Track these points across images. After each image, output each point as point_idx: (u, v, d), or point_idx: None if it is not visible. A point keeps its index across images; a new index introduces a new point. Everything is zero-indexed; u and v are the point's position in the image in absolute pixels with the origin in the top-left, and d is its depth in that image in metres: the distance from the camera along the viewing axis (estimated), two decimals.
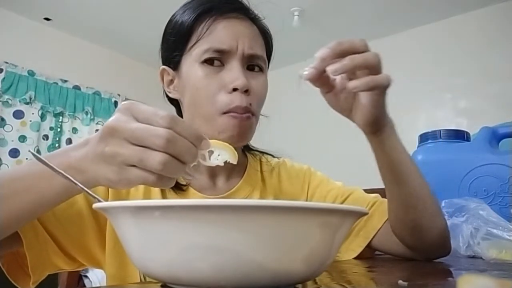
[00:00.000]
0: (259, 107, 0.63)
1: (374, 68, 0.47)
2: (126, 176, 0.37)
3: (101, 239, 0.58)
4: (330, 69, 0.46)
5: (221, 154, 0.43)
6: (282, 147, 0.79)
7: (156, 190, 0.63)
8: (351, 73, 0.49)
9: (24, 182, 0.42)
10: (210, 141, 0.41)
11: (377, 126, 0.55)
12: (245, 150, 0.76)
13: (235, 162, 0.43)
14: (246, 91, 0.60)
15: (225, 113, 0.59)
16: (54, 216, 0.53)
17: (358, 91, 0.49)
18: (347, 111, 0.55)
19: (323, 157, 2.76)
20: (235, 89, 0.59)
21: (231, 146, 0.44)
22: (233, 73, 0.60)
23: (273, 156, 0.78)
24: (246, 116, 0.60)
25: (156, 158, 0.36)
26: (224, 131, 0.59)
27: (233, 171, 0.70)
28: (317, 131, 3.50)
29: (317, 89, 0.55)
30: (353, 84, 0.47)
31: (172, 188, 0.63)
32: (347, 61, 0.45)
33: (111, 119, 0.38)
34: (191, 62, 0.62)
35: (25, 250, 0.49)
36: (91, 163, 0.39)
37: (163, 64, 0.68)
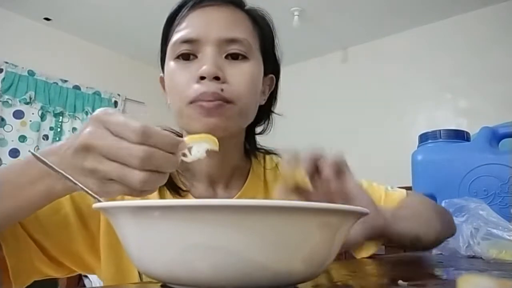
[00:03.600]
0: (240, 97, 0.56)
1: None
2: (107, 190, 0.37)
3: (91, 245, 0.56)
4: None
5: (201, 147, 0.42)
6: (282, 146, 0.77)
7: (154, 193, 0.60)
8: None
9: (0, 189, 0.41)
10: (188, 137, 0.40)
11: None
12: (250, 152, 0.70)
13: (216, 149, 0.42)
14: (217, 79, 0.54)
15: (191, 102, 0.54)
16: (38, 222, 0.51)
17: None
18: None
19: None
20: (203, 78, 0.54)
21: (209, 135, 0.42)
22: (202, 61, 0.55)
23: (279, 156, 0.73)
24: (217, 104, 0.53)
25: (135, 177, 0.35)
26: (191, 121, 0.55)
27: (232, 178, 0.65)
28: (318, 130, 3.50)
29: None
30: None
31: (171, 192, 0.61)
32: None
33: (85, 132, 0.36)
34: (167, 61, 0.59)
35: (6, 259, 0.48)
36: (72, 172, 0.37)
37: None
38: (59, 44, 3.45)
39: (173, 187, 0.61)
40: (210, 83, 0.53)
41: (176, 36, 0.57)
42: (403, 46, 3.33)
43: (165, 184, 0.59)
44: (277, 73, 0.68)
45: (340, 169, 0.47)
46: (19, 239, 0.50)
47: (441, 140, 1.21)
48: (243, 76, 0.56)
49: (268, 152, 0.73)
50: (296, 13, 3.05)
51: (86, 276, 2.17)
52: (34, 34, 3.31)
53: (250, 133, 0.68)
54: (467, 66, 3.00)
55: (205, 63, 0.54)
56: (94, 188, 0.37)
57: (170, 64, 0.58)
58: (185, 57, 0.57)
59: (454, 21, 3.12)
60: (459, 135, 1.23)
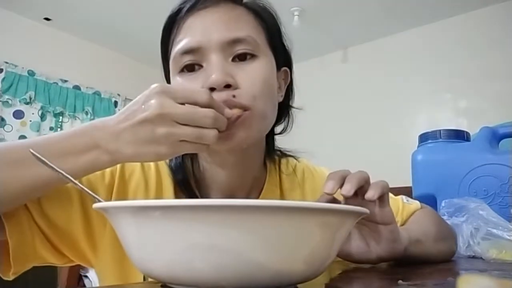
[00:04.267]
0: (255, 99, 0.51)
1: None
2: (179, 150, 0.44)
3: (91, 240, 0.55)
4: None
5: None
6: (285, 147, 0.75)
7: (170, 197, 0.59)
8: None
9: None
10: None
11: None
12: (266, 157, 0.65)
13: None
14: (228, 86, 0.50)
15: None
16: (40, 207, 0.50)
17: None
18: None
19: (321, 157, 2.75)
20: (213, 89, 0.50)
21: None
22: (209, 70, 0.51)
23: (294, 157, 0.69)
24: (235, 117, 0.49)
25: (211, 134, 0.43)
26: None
27: (252, 189, 0.62)
28: (318, 130, 3.50)
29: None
30: None
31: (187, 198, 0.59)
32: None
33: (153, 104, 0.42)
34: (172, 75, 0.56)
35: (8, 239, 0.47)
36: (128, 145, 0.43)
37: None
38: (59, 44, 3.45)
39: (190, 193, 0.59)
40: (221, 93, 0.49)
41: (176, 48, 0.54)
42: (403, 46, 3.33)
43: (182, 190, 0.59)
44: (289, 65, 0.64)
45: (383, 195, 0.48)
46: (22, 220, 0.49)
47: (441, 140, 1.21)
48: (255, 77, 0.52)
49: (284, 154, 0.68)
50: (296, 13, 3.05)
51: (86, 276, 2.17)
52: (34, 34, 3.30)
53: (269, 134, 0.63)
54: (467, 66, 3.00)
55: (213, 72, 0.50)
56: (166, 151, 0.43)
57: (176, 79, 0.54)
58: (190, 68, 0.53)
59: (454, 21, 3.12)
60: (459, 135, 1.23)
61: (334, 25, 3.30)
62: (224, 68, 0.51)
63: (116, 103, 3.76)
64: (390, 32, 3.37)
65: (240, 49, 0.53)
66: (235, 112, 0.50)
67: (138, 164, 0.59)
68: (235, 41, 0.52)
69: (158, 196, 0.59)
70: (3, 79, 3.08)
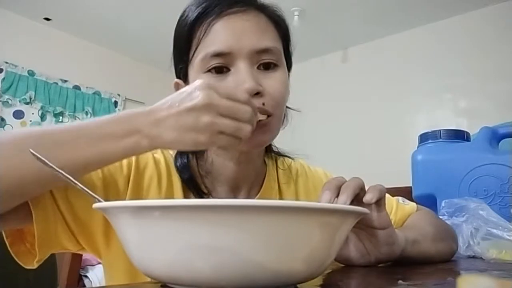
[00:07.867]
0: (278, 106, 0.57)
1: None
2: (216, 141, 0.45)
3: (105, 230, 0.56)
4: None
5: None
6: (287, 147, 0.77)
7: (179, 195, 0.60)
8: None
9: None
10: None
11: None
12: (265, 155, 0.70)
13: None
14: (258, 94, 0.54)
15: None
16: (66, 194, 0.51)
17: None
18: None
19: (321, 156, 2.75)
20: None
21: None
22: (239, 76, 0.55)
23: (290, 157, 0.74)
24: (262, 123, 0.55)
25: (247, 129, 0.46)
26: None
27: (254, 182, 0.66)
28: (318, 130, 3.50)
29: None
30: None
31: (195, 196, 0.61)
32: None
33: (201, 95, 0.44)
34: (195, 74, 0.58)
35: (34, 226, 0.48)
36: (170, 131, 0.44)
37: (176, 76, 0.64)
38: (59, 44, 3.45)
39: (197, 190, 0.61)
40: (252, 100, 0.52)
41: (205, 50, 0.56)
42: (403, 46, 3.33)
43: (190, 187, 0.61)
44: (290, 69, 0.68)
45: (380, 199, 0.49)
46: (48, 208, 0.50)
47: (441, 140, 1.21)
48: (278, 86, 0.58)
49: (280, 154, 0.73)
50: (296, 13, 3.05)
51: (86, 276, 2.17)
52: (34, 34, 3.31)
53: None
54: (467, 66, 3.00)
55: (245, 80, 0.54)
56: (204, 140, 0.44)
57: (202, 77, 0.56)
58: (218, 70, 0.56)
59: (454, 21, 3.12)
60: (459, 135, 1.23)
61: (334, 25, 3.30)
62: (254, 76, 0.55)
63: (116, 103, 3.77)
64: (390, 32, 3.37)
65: (266, 58, 0.57)
66: (261, 117, 0.55)
67: (151, 157, 0.61)
68: (263, 51, 0.57)
69: (169, 191, 0.60)
70: (3, 79, 3.08)
